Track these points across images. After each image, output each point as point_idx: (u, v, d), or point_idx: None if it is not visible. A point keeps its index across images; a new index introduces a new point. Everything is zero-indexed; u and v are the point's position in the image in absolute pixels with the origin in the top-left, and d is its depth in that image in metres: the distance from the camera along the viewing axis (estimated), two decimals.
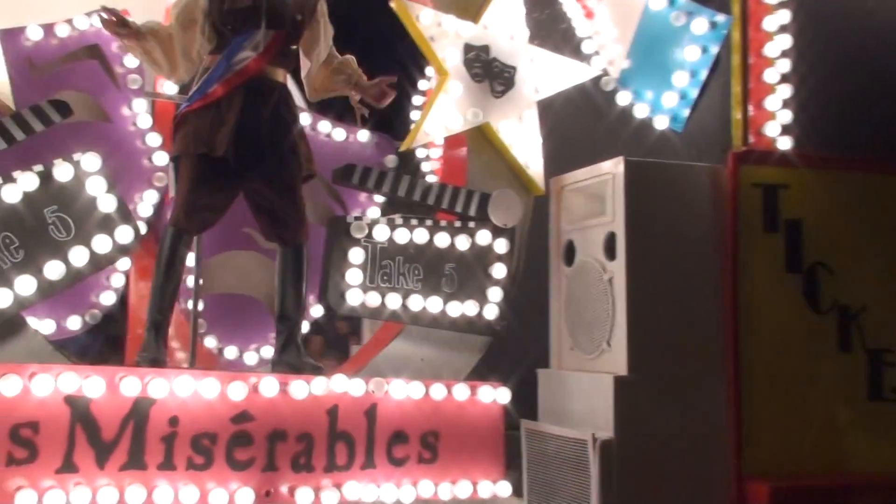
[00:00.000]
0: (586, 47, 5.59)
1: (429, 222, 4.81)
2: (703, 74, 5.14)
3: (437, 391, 4.50)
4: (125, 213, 4.31)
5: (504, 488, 4.59)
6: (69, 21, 4.81)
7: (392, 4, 4.84)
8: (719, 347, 4.73)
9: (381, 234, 4.72)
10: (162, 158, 4.93)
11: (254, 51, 4.43)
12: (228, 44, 4.45)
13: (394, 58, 5.55)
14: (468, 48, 5.02)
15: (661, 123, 5.29)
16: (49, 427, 3.83)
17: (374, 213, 5.30)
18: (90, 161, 4.25)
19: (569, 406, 4.92)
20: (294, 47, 4.64)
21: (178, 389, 4.02)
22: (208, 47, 4.53)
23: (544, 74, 5.22)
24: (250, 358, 5.10)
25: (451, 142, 5.43)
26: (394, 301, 4.70)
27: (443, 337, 4.90)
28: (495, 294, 4.87)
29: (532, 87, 5.19)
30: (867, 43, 5.06)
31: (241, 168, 4.41)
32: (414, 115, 6.44)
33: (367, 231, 4.70)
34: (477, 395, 4.59)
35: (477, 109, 5.02)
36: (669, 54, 5.22)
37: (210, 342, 5.06)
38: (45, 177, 4.18)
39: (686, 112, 5.22)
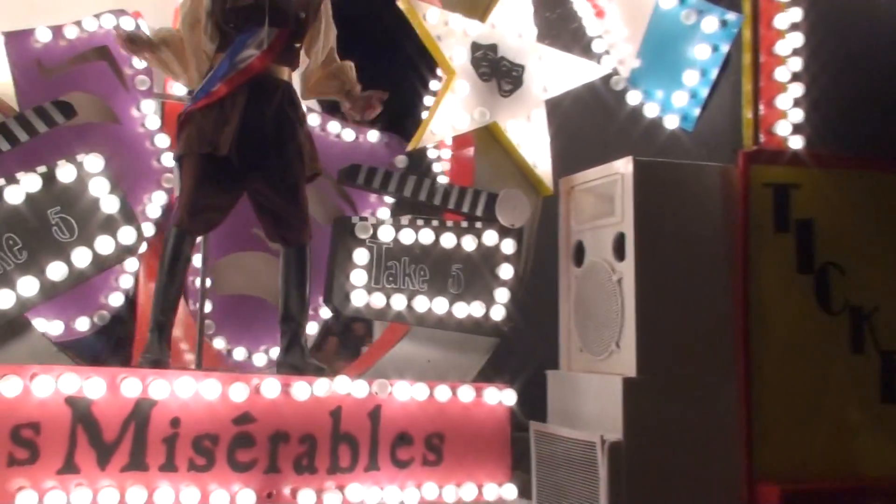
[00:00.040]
0: (597, 46, 5.57)
1: (434, 223, 4.79)
2: (714, 73, 5.13)
3: (442, 393, 4.47)
4: (128, 214, 4.30)
5: (510, 491, 4.55)
6: (78, 23, 4.80)
7: (399, 3, 4.81)
8: (729, 349, 4.71)
9: (386, 234, 4.69)
10: (171, 160, 4.92)
11: (257, 49, 4.40)
12: (232, 42, 4.44)
13: (404, 58, 5.53)
14: (475, 47, 4.98)
15: (672, 123, 5.28)
16: (50, 428, 3.83)
17: (384, 213, 5.26)
18: (93, 162, 4.24)
19: (578, 408, 4.90)
20: (298, 45, 4.62)
21: (180, 390, 4.01)
22: (212, 46, 4.52)
23: (553, 73, 5.18)
24: (259, 359, 5.07)
25: (459, 141, 5.40)
26: (399, 302, 4.67)
27: (450, 338, 4.87)
28: (502, 295, 4.83)
29: (540, 85, 5.15)
30: (879, 41, 5.02)
31: (245, 167, 4.40)
32: (425, 115, 6.40)
33: (371, 232, 4.68)
34: (482, 397, 4.55)
35: (484, 109, 4.98)
36: (680, 53, 5.21)
37: (219, 343, 5.04)
38: (48, 178, 4.18)
39: (696, 111, 5.20)
